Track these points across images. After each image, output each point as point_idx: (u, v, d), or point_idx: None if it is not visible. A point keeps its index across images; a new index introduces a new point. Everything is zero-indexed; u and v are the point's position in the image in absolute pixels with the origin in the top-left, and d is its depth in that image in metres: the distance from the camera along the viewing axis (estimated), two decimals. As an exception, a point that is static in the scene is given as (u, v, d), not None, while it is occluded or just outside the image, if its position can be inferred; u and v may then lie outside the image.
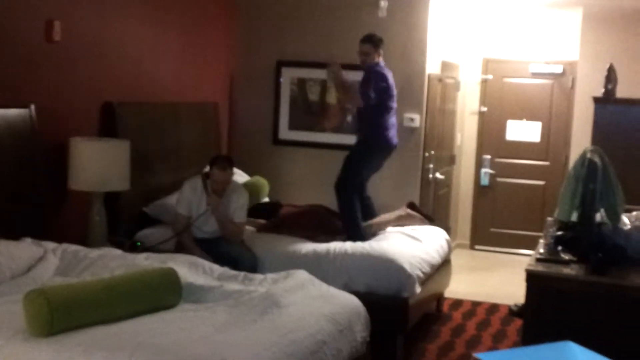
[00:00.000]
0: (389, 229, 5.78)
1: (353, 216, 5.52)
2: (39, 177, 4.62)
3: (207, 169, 5.35)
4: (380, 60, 5.62)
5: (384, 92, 5.54)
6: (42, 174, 4.65)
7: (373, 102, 5.47)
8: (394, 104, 5.69)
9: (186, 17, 6.35)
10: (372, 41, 5.60)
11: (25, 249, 4.09)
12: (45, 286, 3.58)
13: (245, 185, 5.80)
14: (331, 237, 5.39)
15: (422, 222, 5.94)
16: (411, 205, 5.94)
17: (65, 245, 4.35)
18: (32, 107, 4.56)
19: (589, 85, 7.38)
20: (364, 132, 5.66)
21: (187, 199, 5.11)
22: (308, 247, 5.22)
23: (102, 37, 5.31)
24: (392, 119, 5.67)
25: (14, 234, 4.24)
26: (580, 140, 7.28)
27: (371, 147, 5.64)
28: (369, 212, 5.80)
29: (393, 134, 5.68)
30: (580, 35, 7.65)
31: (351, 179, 5.56)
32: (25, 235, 4.33)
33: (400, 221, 5.79)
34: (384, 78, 5.55)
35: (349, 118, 6.69)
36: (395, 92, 5.70)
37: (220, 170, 5.04)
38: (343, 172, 5.59)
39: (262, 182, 6.48)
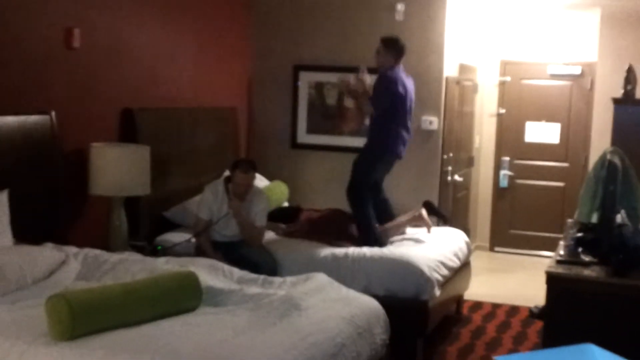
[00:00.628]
0: (407, 231, 5.78)
1: (367, 221, 5.50)
2: (60, 182, 4.67)
3: (226, 173, 5.37)
4: (398, 67, 5.52)
5: (392, 98, 5.45)
6: (63, 179, 4.69)
7: (383, 107, 5.43)
8: (406, 114, 5.56)
9: (203, 23, 6.39)
10: (385, 41, 5.54)
11: (47, 254, 4.12)
12: (66, 290, 3.61)
13: (265, 189, 5.81)
14: (349, 244, 5.38)
15: (436, 224, 5.90)
16: (427, 205, 5.88)
17: (86, 250, 4.38)
18: (53, 113, 4.61)
19: (608, 86, 7.33)
20: (368, 138, 5.63)
21: (208, 202, 5.14)
22: (327, 250, 5.22)
23: (120, 43, 5.36)
24: (401, 129, 5.54)
25: (36, 239, 4.28)
26: (600, 141, 7.24)
27: (373, 154, 5.59)
28: (387, 214, 5.78)
29: (398, 144, 5.55)
30: (598, 36, 7.61)
31: (359, 183, 5.53)
32: (46, 240, 4.36)
33: (415, 221, 5.75)
34: (392, 82, 5.45)
35: (367, 121, 6.68)
36: (411, 102, 5.60)
37: (242, 173, 5.06)
38: (351, 178, 5.58)
39: (282, 186, 6.50)
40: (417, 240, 5.57)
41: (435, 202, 6.73)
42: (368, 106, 5.53)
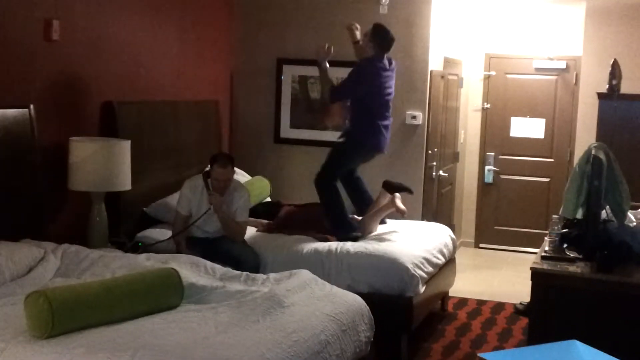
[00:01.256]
0: (390, 225, 5.74)
1: (337, 210, 5.45)
2: (39, 177, 4.59)
3: (208, 168, 5.31)
4: (379, 59, 5.42)
5: (368, 90, 5.39)
6: (42, 174, 4.62)
7: (345, 96, 5.43)
8: (384, 106, 5.49)
9: (185, 15, 6.32)
10: (375, 28, 5.45)
11: (25, 250, 4.06)
12: (46, 287, 3.56)
13: (247, 185, 5.76)
14: (324, 237, 5.33)
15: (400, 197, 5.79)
16: (386, 185, 5.75)
17: (65, 246, 4.32)
18: (31, 107, 4.53)
19: (593, 81, 7.33)
20: (347, 131, 5.58)
21: (187, 198, 5.08)
22: (311, 247, 5.17)
23: (101, 36, 5.28)
24: (379, 122, 5.46)
25: (14, 235, 4.21)
26: (585, 136, 7.24)
27: (351, 147, 5.53)
28: (360, 191, 5.72)
29: (377, 137, 5.48)
30: (583, 31, 7.60)
31: (330, 174, 5.48)
32: (25, 236, 4.30)
33: (389, 208, 5.61)
34: (365, 72, 5.38)
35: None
36: (389, 94, 5.52)
37: (221, 168, 5.00)
38: (323, 167, 5.52)
39: (264, 182, 6.45)
40: (401, 236, 5.53)
41: (420, 198, 6.71)
42: (326, 93, 5.49)
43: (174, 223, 5.16)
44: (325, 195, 5.49)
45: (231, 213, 5.10)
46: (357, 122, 5.51)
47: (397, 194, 5.63)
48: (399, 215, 5.65)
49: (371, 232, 5.55)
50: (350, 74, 5.47)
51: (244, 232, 5.21)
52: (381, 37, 5.45)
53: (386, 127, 5.55)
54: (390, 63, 5.55)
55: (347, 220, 5.45)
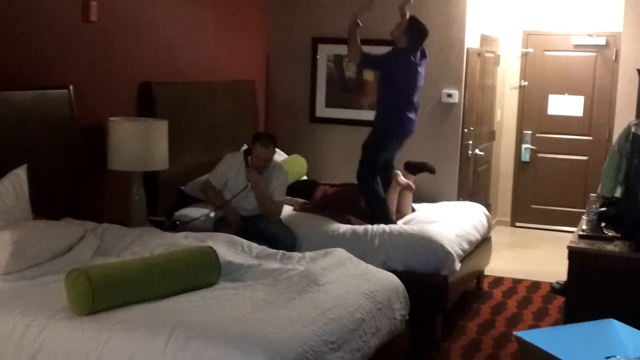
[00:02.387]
0: (424, 207, 5.74)
1: (378, 200, 5.42)
2: (79, 157, 4.66)
3: (244, 147, 5.34)
4: (412, 50, 5.41)
5: (397, 78, 5.39)
6: (81, 154, 4.69)
7: (359, 64, 5.47)
8: (412, 94, 5.47)
9: (222, -5, 6.33)
10: (411, 21, 5.44)
11: (66, 228, 4.12)
12: (86, 265, 3.62)
13: (284, 163, 5.79)
14: (361, 221, 5.33)
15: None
16: (409, 166, 5.74)
17: (105, 225, 4.38)
18: (71, 88, 4.59)
19: (633, 57, 7.19)
20: (375, 120, 5.56)
21: (224, 171, 5.14)
22: (346, 226, 5.20)
23: (137, 16, 5.32)
24: (406, 109, 5.45)
25: (55, 214, 4.28)
26: (625, 114, 7.11)
27: (381, 135, 5.50)
28: (388, 176, 5.67)
29: (404, 124, 5.47)
30: (623, 6, 7.45)
31: (369, 165, 5.46)
32: (65, 215, 4.37)
33: (395, 190, 5.59)
34: (397, 61, 5.39)
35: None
36: (416, 86, 5.49)
37: (263, 147, 5.04)
38: (361, 160, 5.50)
39: (300, 160, 6.46)
40: (436, 214, 5.52)
41: (455, 176, 6.68)
42: (353, 55, 5.46)
43: (204, 191, 5.19)
44: (367, 188, 5.47)
45: (269, 192, 5.13)
46: (383, 111, 5.49)
47: (398, 171, 5.60)
48: (408, 191, 5.60)
49: (403, 213, 5.54)
50: (386, 54, 5.45)
51: (280, 211, 5.24)
52: (416, 31, 5.44)
53: (412, 118, 5.52)
54: (423, 55, 5.52)
55: (386, 211, 5.42)
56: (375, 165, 5.48)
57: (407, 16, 5.48)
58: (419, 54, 5.47)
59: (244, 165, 5.12)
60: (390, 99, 5.45)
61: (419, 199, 6.12)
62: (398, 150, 5.75)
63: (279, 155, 6.23)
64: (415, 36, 5.42)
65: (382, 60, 5.48)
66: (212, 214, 5.19)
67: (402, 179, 5.60)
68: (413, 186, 5.68)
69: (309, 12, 7.05)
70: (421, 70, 5.53)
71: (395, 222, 5.38)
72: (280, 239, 4.90)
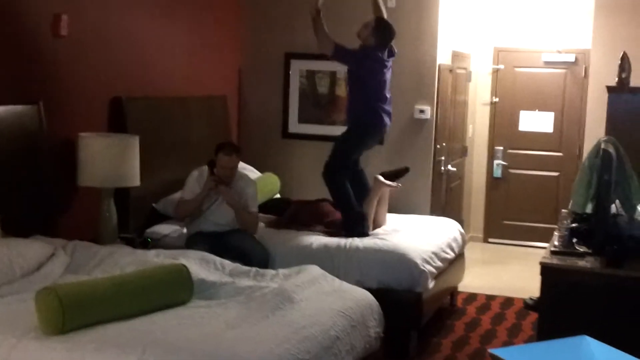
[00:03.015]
0: (400, 221, 5.74)
1: (347, 201, 5.43)
2: (48, 173, 4.61)
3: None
4: (380, 49, 5.42)
5: (365, 74, 5.40)
6: (51, 170, 4.63)
7: (332, 54, 5.40)
8: (382, 87, 5.47)
9: (194, 11, 6.31)
10: (378, 21, 5.47)
11: (36, 246, 4.07)
12: (56, 284, 3.57)
13: (257, 181, 5.75)
14: (331, 232, 5.32)
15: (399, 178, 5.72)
16: (384, 176, 5.65)
17: (75, 243, 4.33)
18: (40, 103, 4.54)
19: (603, 74, 7.27)
20: (349, 119, 5.57)
21: (193, 185, 5.09)
22: (319, 242, 5.17)
23: (109, 31, 5.28)
24: (379, 102, 5.45)
25: (24, 231, 4.22)
26: (594, 130, 7.19)
27: (357, 133, 5.50)
28: (362, 184, 5.67)
29: (380, 116, 5.47)
30: (593, 23, 7.55)
31: (339, 165, 5.46)
32: (35, 232, 4.31)
33: (376, 193, 5.55)
34: (369, 57, 5.39)
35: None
36: (385, 81, 5.50)
37: (226, 156, 5.01)
38: (330, 159, 5.49)
39: (273, 178, 6.43)
40: (410, 231, 5.52)
41: (428, 192, 6.70)
42: (324, 43, 5.43)
43: (176, 209, 5.15)
44: (335, 189, 5.47)
45: (240, 203, 5.10)
46: (355, 106, 5.49)
47: (378, 176, 5.59)
48: (392, 189, 5.59)
49: (379, 224, 5.53)
50: (355, 50, 5.46)
51: (257, 222, 5.21)
52: (382, 32, 5.44)
53: (386, 109, 5.53)
54: (391, 53, 5.53)
55: (357, 215, 5.41)
56: (345, 162, 5.48)
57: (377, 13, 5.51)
58: (386, 52, 5.49)
59: (208, 175, 5.09)
60: (363, 98, 5.44)
61: (393, 210, 6.11)
62: (369, 148, 5.73)
63: (252, 173, 6.20)
64: (382, 36, 5.43)
65: (352, 54, 5.45)
66: (185, 230, 5.14)
67: (384, 180, 5.55)
68: (399, 185, 5.65)
69: (282, 27, 7.05)
70: (389, 67, 5.55)
71: (368, 227, 5.36)
72: (253, 255, 4.87)
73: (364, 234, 5.30)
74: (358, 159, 5.74)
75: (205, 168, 5.13)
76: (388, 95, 5.56)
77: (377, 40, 5.41)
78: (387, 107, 5.55)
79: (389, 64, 5.55)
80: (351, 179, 5.60)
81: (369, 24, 5.45)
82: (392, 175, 5.71)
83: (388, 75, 5.55)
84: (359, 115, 5.49)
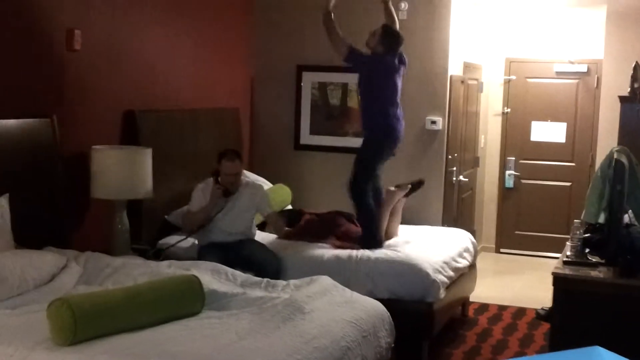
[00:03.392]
0: (411, 232, 5.74)
1: (370, 216, 5.40)
2: (62, 186, 4.63)
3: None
4: (389, 56, 5.43)
5: (375, 81, 5.40)
6: (65, 183, 4.66)
7: (346, 57, 5.40)
8: (393, 95, 5.47)
9: (205, 23, 6.35)
10: (384, 29, 5.47)
11: (49, 258, 4.09)
12: (68, 295, 3.58)
13: (269, 192, 5.77)
14: (343, 245, 5.32)
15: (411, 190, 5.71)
16: (398, 187, 5.71)
17: (88, 254, 4.35)
18: (54, 116, 4.58)
19: (615, 84, 7.27)
20: (364, 131, 5.54)
21: (200, 197, 5.12)
22: (330, 252, 5.18)
23: (122, 45, 5.32)
24: (390, 109, 5.44)
25: (37, 244, 4.25)
26: (607, 140, 7.18)
27: (374, 142, 5.47)
28: (377, 201, 5.61)
29: (393, 124, 5.45)
30: (604, 34, 7.55)
31: (362, 178, 5.42)
32: (48, 244, 4.33)
33: (389, 203, 5.56)
34: (380, 62, 5.41)
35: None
36: (396, 88, 5.50)
37: (229, 162, 5.04)
38: (354, 173, 5.45)
39: (285, 189, 6.45)
40: (421, 241, 5.52)
41: (440, 203, 6.70)
42: (338, 46, 5.45)
43: (185, 218, 5.20)
44: (360, 202, 5.42)
45: (251, 208, 5.18)
46: (369, 114, 5.47)
47: (389, 187, 5.59)
48: (404, 192, 5.57)
49: (391, 235, 5.53)
50: (367, 56, 5.47)
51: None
52: (390, 39, 5.45)
53: (397, 115, 5.51)
54: (401, 62, 5.53)
55: (377, 234, 5.38)
56: (368, 178, 5.44)
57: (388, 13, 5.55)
58: (397, 60, 5.48)
59: (213, 184, 5.12)
60: (375, 105, 5.42)
61: (404, 221, 6.12)
62: (386, 160, 5.66)
63: (264, 184, 6.22)
64: (390, 44, 5.44)
65: (365, 58, 5.46)
66: (196, 241, 5.16)
67: (395, 189, 5.55)
68: (408, 187, 5.65)
69: (294, 39, 7.09)
70: (400, 74, 5.54)
71: (383, 241, 5.36)
72: (265, 265, 4.89)
73: (378, 247, 5.30)
74: (380, 175, 5.68)
75: (209, 179, 5.16)
76: (399, 102, 5.54)
77: (386, 48, 5.42)
78: (399, 113, 5.53)
79: (401, 71, 5.54)
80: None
81: (376, 32, 5.46)
82: (409, 190, 5.71)
83: (399, 82, 5.54)
84: (373, 122, 5.46)
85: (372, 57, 5.46)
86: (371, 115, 5.48)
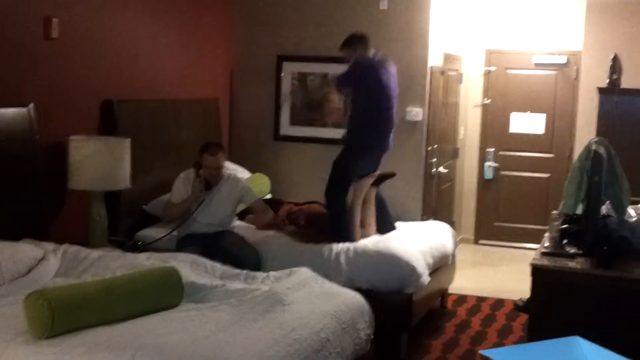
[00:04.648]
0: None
1: (339, 215, 5.34)
2: (39, 176, 4.59)
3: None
4: (369, 56, 5.43)
5: (366, 89, 5.35)
6: (42, 173, 4.61)
7: (345, 87, 5.41)
8: (387, 106, 5.42)
9: (185, 12, 6.31)
10: (346, 44, 5.50)
11: (26, 250, 4.05)
12: (45, 287, 3.56)
13: (248, 181, 5.75)
14: (321, 239, 5.29)
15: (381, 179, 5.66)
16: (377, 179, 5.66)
17: (65, 246, 4.31)
18: (31, 105, 4.52)
19: (594, 75, 7.32)
20: (347, 133, 5.47)
21: (181, 188, 5.10)
22: (310, 244, 5.17)
23: (100, 34, 5.27)
24: (380, 122, 5.39)
25: (14, 235, 4.20)
26: (585, 131, 7.23)
27: (352, 149, 5.39)
28: (382, 212, 5.61)
29: (377, 138, 5.41)
30: (584, 25, 7.59)
31: (336, 187, 5.37)
32: (25, 236, 4.29)
33: (359, 194, 5.47)
34: (366, 71, 5.37)
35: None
36: (392, 92, 5.46)
37: (211, 156, 5.02)
38: (329, 180, 5.40)
39: (264, 179, 6.42)
40: (401, 233, 5.52)
41: (420, 194, 6.70)
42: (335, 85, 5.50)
43: (166, 209, 5.15)
44: (331, 203, 5.40)
45: (231, 201, 5.16)
46: (356, 124, 5.39)
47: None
48: (372, 180, 5.52)
49: (366, 224, 5.48)
50: (348, 69, 5.46)
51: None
52: (354, 41, 5.48)
53: (388, 127, 5.47)
54: (385, 63, 5.49)
55: (346, 226, 5.31)
56: (345, 184, 5.38)
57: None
58: (378, 63, 5.43)
59: (196, 179, 5.10)
60: (362, 112, 5.36)
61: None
62: (376, 167, 5.60)
63: (243, 174, 6.20)
64: (357, 44, 5.44)
65: (348, 73, 5.44)
66: (175, 232, 5.14)
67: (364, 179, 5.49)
68: (376, 173, 5.56)
69: (274, 29, 7.05)
70: (392, 76, 5.49)
71: (354, 238, 5.29)
72: (244, 258, 4.87)
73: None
74: (381, 195, 5.63)
75: (190, 170, 5.14)
76: (393, 116, 5.49)
77: (357, 49, 5.42)
78: (389, 130, 5.47)
79: (390, 71, 5.48)
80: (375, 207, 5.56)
81: (344, 47, 5.50)
82: (376, 182, 5.66)
83: (391, 89, 5.45)
84: (358, 133, 5.38)
85: (353, 67, 5.42)
86: (359, 129, 5.37)
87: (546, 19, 8.17)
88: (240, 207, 5.48)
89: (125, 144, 4.88)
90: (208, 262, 4.24)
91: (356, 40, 5.49)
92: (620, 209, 4.40)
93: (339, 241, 5.22)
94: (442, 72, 7.15)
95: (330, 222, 5.41)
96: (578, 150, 6.28)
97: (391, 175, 5.77)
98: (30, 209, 4.53)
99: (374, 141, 5.44)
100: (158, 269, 3.84)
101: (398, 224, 5.86)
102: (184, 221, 5.06)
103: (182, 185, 5.11)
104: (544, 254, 4.21)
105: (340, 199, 5.37)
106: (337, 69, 5.87)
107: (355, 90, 5.40)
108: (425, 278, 5.06)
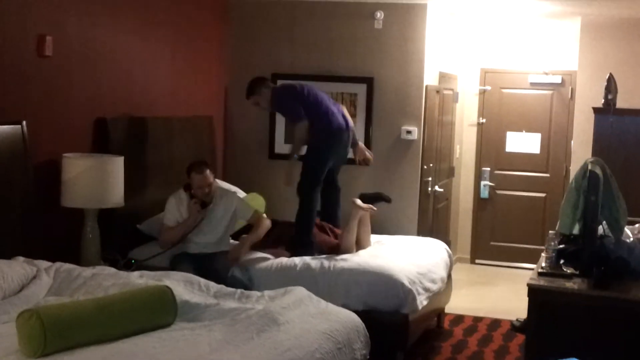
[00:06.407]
0: (386, 241, 5.71)
1: (307, 227, 5.46)
2: (32, 194, 4.55)
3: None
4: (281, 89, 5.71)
5: (301, 97, 5.56)
6: (35, 191, 4.58)
7: (297, 114, 5.54)
8: (323, 101, 5.62)
9: (179, 31, 6.30)
10: (250, 92, 5.66)
11: (18, 268, 4.02)
12: (38, 306, 3.52)
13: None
14: (276, 252, 5.33)
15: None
16: (362, 197, 5.68)
17: (58, 264, 4.28)
18: (24, 123, 4.50)
19: (589, 95, 7.32)
20: (311, 135, 5.61)
21: (174, 210, 5.09)
22: (304, 263, 5.12)
23: (94, 52, 5.26)
24: (327, 110, 5.58)
25: (6, 253, 4.17)
26: (581, 151, 7.22)
27: (318, 143, 5.56)
28: (332, 202, 5.76)
29: (332, 120, 5.57)
30: (579, 45, 7.61)
31: (310, 183, 5.51)
32: (17, 253, 4.25)
33: (355, 217, 5.52)
34: (288, 88, 5.66)
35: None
36: (315, 93, 5.63)
37: (199, 174, 5.02)
38: (301, 175, 5.55)
39: (259, 199, 6.39)
40: (396, 252, 5.49)
41: (415, 213, 6.68)
42: (298, 132, 5.60)
43: (161, 235, 5.13)
44: (302, 208, 5.50)
45: (226, 217, 5.14)
46: (314, 122, 5.57)
47: (355, 199, 5.58)
48: (367, 212, 5.55)
49: (362, 246, 5.50)
50: (280, 104, 5.71)
51: (266, 221, 5.34)
52: (257, 85, 5.67)
53: (336, 108, 5.66)
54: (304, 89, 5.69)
55: (308, 243, 5.42)
56: (318, 175, 5.52)
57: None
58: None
59: (189, 200, 5.08)
60: (314, 114, 5.54)
61: (379, 231, 6.09)
62: (343, 161, 5.75)
63: (238, 193, 6.16)
64: (259, 86, 5.65)
65: (287, 105, 5.64)
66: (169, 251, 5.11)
67: (360, 203, 5.54)
68: (374, 208, 5.62)
69: (268, 48, 7.05)
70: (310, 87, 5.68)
71: (313, 248, 5.37)
72: (234, 284, 4.79)
73: (308, 254, 5.32)
74: (335, 176, 5.74)
75: (182, 192, 5.12)
76: (334, 108, 5.65)
77: (264, 87, 5.64)
78: (337, 111, 5.64)
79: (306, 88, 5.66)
80: (325, 195, 5.68)
81: (254, 101, 5.70)
82: (371, 198, 5.69)
83: (319, 93, 5.68)
84: (316, 128, 5.56)
85: (282, 98, 5.63)
86: (315, 125, 5.56)
87: (541, 38, 8.19)
88: (240, 224, 5.46)
89: (119, 162, 4.86)
90: (202, 281, 4.21)
91: (255, 84, 5.67)
92: (617, 229, 4.37)
93: (297, 243, 5.34)
94: (438, 91, 7.16)
95: (298, 224, 5.50)
96: (574, 169, 6.28)
97: (387, 200, 5.77)
98: (22, 226, 4.49)
99: (332, 126, 5.56)
100: (152, 288, 3.80)
101: (393, 240, 5.83)
102: (182, 241, 5.04)
103: (175, 207, 5.08)
104: (540, 274, 4.18)
105: (312, 202, 5.50)
106: (331, 88, 5.88)
107: (302, 106, 5.55)
108: (423, 300, 5.04)
